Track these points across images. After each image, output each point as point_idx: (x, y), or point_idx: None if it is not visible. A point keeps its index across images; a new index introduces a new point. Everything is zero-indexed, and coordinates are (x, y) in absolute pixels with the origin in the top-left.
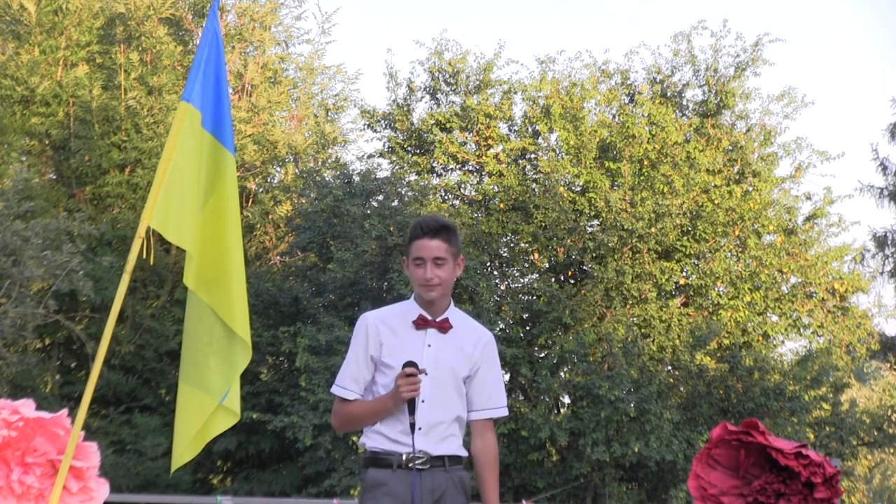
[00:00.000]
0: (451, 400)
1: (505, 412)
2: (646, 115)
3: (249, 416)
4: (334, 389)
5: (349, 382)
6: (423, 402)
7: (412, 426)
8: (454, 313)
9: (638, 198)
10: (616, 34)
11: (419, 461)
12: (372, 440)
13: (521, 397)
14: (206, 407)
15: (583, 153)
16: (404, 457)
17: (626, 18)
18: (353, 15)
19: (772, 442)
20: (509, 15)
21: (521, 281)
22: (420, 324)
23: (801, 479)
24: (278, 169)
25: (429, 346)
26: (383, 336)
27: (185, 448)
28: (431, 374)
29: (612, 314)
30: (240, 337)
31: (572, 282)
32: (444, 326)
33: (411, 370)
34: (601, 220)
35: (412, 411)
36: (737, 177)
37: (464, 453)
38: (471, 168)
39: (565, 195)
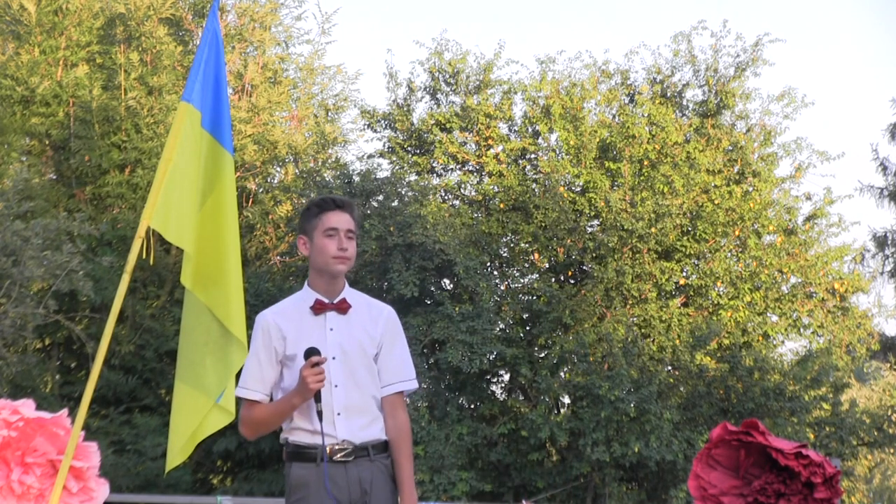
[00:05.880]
0: (365, 380)
1: (415, 385)
2: (646, 115)
3: None
4: (238, 392)
5: (253, 383)
6: (336, 386)
7: (319, 414)
8: (350, 293)
9: (638, 198)
10: (616, 34)
11: (343, 452)
12: (294, 435)
13: (521, 397)
14: (202, 406)
15: (583, 153)
16: (328, 449)
17: (626, 18)
18: (353, 15)
19: (772, 442)
20: (509, 15)
21: (521, 281)
22: (318, 308)
23: (801, 479)
24: (278, 169)
25: (331, 329)
26: (284, 329)
27: (180, 448)
28: (339, 357)
29: (612, 314)
30: (235, 337)
31: (572, 282)
32: (343, 307)
33: (317, 359)
34: (601, 220)
35: (318, 399)
36: (737, 177)
37: (385, 437)
38: (471, 168)
39: (565, 195)
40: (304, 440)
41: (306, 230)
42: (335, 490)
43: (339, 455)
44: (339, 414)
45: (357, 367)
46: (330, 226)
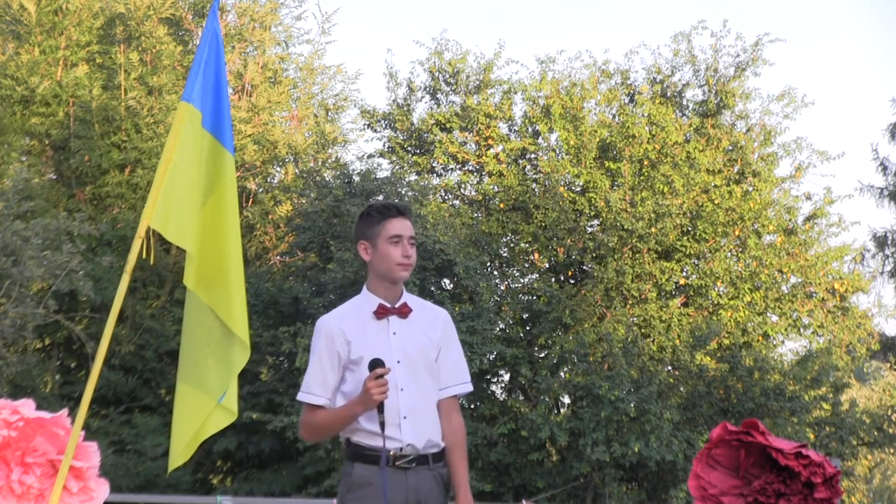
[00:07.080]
0: (427, 384)
1: (470, 387)
2: (646, 115)
3: (249, 416)
4: (301, 396)
5: (316, 388)
6: (402, 390)
7: (382, 425)
8: (409, 297)
9: (638, 198)
10: (616, 34)
11: (405, 459)
12: (357, 435)
13: (521, 397)
14: (204, 406)
15: (583, 153)
16: (392, 453)
17: (626, 18)
18: (353, 15)
19: (772, 442)
20: (509, 15)
21: (521, 281)
22: (381, 313)
23: (801, 479)
24: (278, 169)
25: (394, 333)
26: (348, 333)
27: (182, 448)
28: (403, 361)
29: (612, 314)
30: (238, 337)
31: (572, 282)
32: (405, 311)
33: (382, 371)
34: (601, 220)
35: (381, 410)
36: (737, 177)
37: (443, 443)
38: (471, 168)
39: (565, 195)
40: (367, 442)
41: (368, 236)
42: (394, 494)
43: (401, 461)
44: (405, 417)
45: (420, 371)
46: (395, 233)
